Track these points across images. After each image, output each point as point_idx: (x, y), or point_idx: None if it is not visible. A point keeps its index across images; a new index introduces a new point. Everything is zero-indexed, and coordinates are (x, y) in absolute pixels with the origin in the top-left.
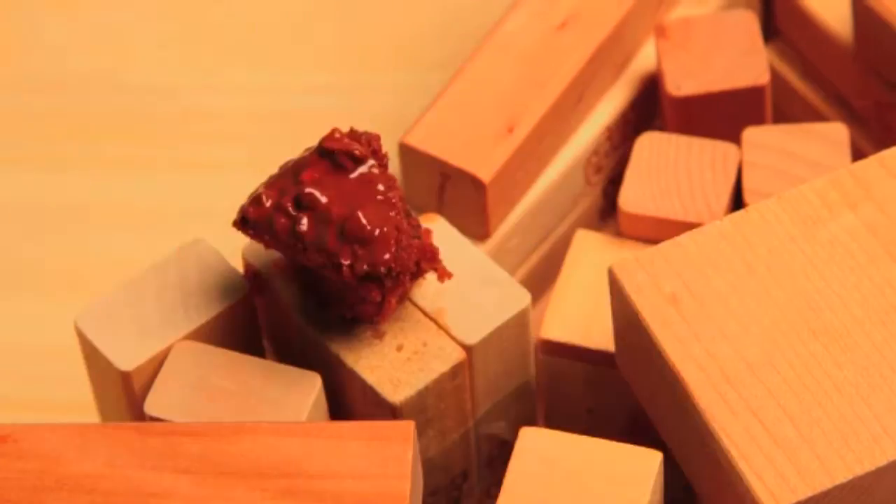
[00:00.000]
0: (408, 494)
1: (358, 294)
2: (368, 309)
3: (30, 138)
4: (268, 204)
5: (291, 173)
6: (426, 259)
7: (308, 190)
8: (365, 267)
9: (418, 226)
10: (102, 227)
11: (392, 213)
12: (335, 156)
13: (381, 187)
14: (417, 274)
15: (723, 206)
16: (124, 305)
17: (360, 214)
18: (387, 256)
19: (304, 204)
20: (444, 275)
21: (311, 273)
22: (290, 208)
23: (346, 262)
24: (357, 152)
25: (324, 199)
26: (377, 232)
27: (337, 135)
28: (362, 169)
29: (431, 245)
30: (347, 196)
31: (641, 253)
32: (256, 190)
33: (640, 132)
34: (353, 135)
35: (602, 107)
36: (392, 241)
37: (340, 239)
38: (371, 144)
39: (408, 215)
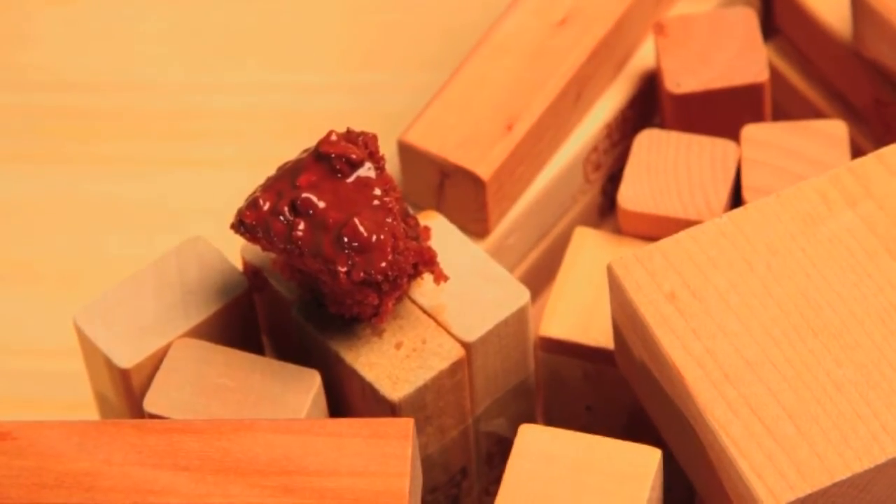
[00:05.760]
0: (407, 492)
1: (355, 298)
2: (366, 311)
3: (28, 137)
4: (265, 208)
5: (288, 176)
6: (423, 262)
7: (305, 195)
8: (361, 274)
9: (417, 225)
10: (102, 225)
11: (389, 219)
12: (332, 159)
13: (377, 191)
14: (415, 275)
15: (722, 204)
16: (123, 303)
17: (356, 221)
18: (383, 264)
19: (301, 209)
20: (440, 277)
21: (309, 274)
22: (287, 213)
23: (343, 269)
24: (354, 156)
25: (321, 205)
26: (374, 239)
27: (333, 137)
28: (359, 172)
29: (429, 248)
30: (344, 201)
31: (641, 250)
32: (254, 193)
33: (639, 129)
34: (350, 136)
35: (601, 104)
36: (389, 249)
37: (337, 245)
38: (368, 146)
39: (406, 215)
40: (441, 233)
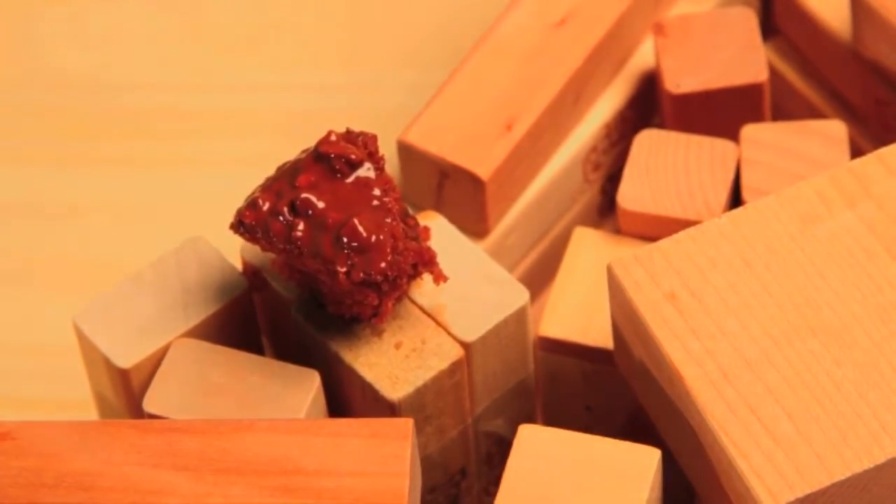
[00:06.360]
0: (406, 492)
1: (354, 298)
2: (365, 311)
3: (28, 137)
4: (264, 208)
5: (287, 176)
6: (423, 262)
7: (304, 195)
8: (361, 274)
9: (416, 225)
10: (101, 225)
11: (388, 220)
12: (331, 160)
13: (377, 192)
14: (414, 276)
15: (721, 204)
16: (123, 303)
17: (356, 222)
18: (383, 265)
19: (300, 209)
20: (440, 278)
21: (309, 274)
22: (286, 213)
23: (343, 270)
24: (353, 156)
25: (320, 205)
26: (373, 239)
27: (333, 137)
28: (358, 172)
29: (428, 248)
30: (343, 202)
31: (640, 250)
32: (253, 193)
33: (638, 130)
34: (350, 136)
35: (601, 104)
36: (388, 249)
37: (336, 246)
38: (367, 146)
39: (405, 216)
40: (440, 233)
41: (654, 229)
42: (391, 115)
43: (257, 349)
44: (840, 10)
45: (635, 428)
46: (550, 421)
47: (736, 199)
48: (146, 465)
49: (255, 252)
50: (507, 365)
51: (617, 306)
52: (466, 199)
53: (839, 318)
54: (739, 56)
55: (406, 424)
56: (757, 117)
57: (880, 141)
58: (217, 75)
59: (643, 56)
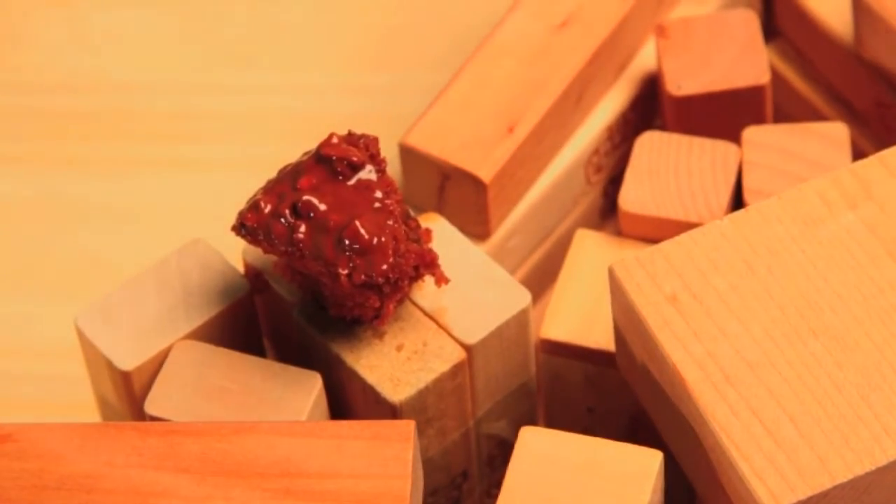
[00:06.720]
0: (408, 494)
1: (356, 300)
2: (367, 313)
3: (29, 138)
4: (266, 210)
5: (289, 179)
6: (425, 264)
7: (306, 197)
8: (363, 277)
9: (418, 227)
10: (103, 227)
11: (390, 222)
12: (333, 162)
13: (378, 194)
14: (416, 278)
15: (723, 206)
16: (125, 305)
17: (357, 224)
18: (384, 267)
19: (302, 211)
20: (441, 280)
21: (310, 277)
22: (288, 215)
23: (344, 272)
24: (355, 158)
25: (322, 207)
26: (375, 241)
27: (334, 140)
28: (360, 175)
29: (430, 250)
30: (345, 204)
31: (642, 252)
32: (255, 195)
33: (640, 132)
34: (351, 139)
35: (602, 106)
36: (390, 251)
37: (338, 248)
38: (369, 148)
39: (407, 218)
40: (442, 235)
41: (655, 231)
42: (393, 118)
43: (259, 351)
44: (842, 13)
45: (637, 430)
46: (552, 423)
47: (737, 201)
48: (148, 467)
49: (256, 254)
50: (509, 367)
51: (618, 308)
52: (468, 201)
53: (841, 321)
54: (741, 58)
55: (408, 427)
56: (758, 119)
57: (882, 143)
58: (217, 78)
59: (645, 58)
